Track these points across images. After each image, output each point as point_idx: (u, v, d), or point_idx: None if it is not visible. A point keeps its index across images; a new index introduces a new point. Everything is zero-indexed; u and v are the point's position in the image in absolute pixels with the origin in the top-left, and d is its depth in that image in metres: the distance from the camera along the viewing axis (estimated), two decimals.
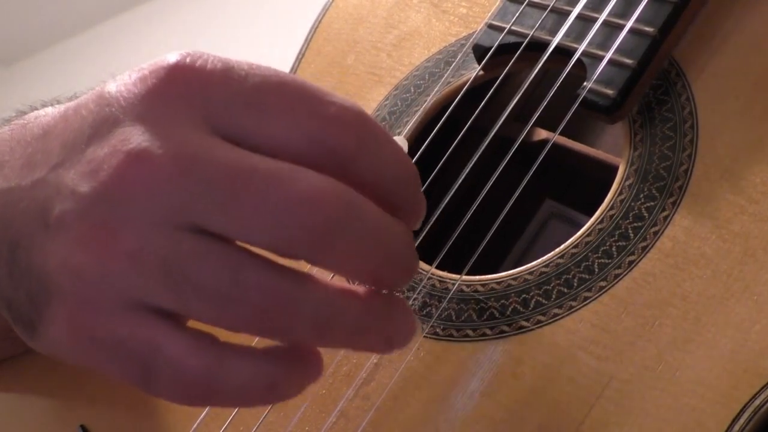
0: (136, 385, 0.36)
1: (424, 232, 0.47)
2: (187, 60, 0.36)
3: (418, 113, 0.53)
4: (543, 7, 0.50)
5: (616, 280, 0.43)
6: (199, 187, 0.34)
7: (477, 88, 0.52)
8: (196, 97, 0.36)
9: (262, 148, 0.36)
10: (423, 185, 0.47)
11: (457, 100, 0.52)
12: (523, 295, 0.44)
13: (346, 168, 0.36)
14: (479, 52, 0.52)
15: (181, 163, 0.34)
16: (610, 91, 0.46)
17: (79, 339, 0.36)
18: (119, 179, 0.34)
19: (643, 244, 0.43)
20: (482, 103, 0.50)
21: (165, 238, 0.34)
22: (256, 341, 0.38)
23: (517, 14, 0.51)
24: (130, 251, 0.34)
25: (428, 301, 0.46)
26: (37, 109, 0.43)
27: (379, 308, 0.37)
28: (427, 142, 0.51)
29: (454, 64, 0.54)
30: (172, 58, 0.37)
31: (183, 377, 0.35)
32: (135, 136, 0.35)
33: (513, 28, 0.51)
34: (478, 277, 0.46)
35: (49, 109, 0.40)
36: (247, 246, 0.36)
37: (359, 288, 0.38)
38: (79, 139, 0.36)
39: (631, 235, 0.43)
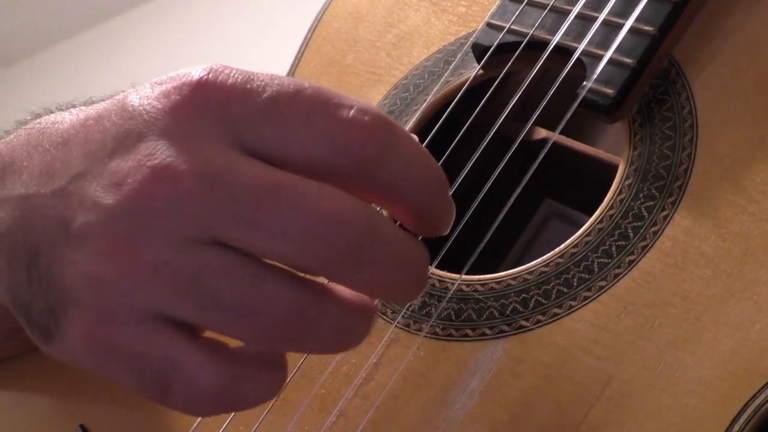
0: (150, 397, 0.37)
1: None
2: (210, 76, 0.37)
3: (418, 112, 0.53)
4: (543, 6, 0.50)
5: (615, 280, 0.43)
6: (223, 204, 0.35)
7: (476, 87, 0.52)
8: (218, 112, 0.36)
9: (287, 159, 0.36)
10: None
11: (456, 99, 0.52)
12: (523, 295, 0.44)
13: (373, 174, 0.36)
14: (479, 51, 0.52)
15: (206, 179, 0.35)
16: (609, 91, 0.46)
17: (96, 349, 0.36)
18: (144, 194, 0.35)
19: (643, 243, 0.43)
20: (482, 103, 0.50)
21: (188, 253, 0.35)
22: None
23: (517, 13, 0.51)
24: (152, 265, 0.35)
25: (428, 300, 0.46)
26: (52, 111, 0.43)
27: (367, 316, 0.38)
28: (426, 141, 0.51)
29: (453, 63, 0.54)
30: (195, 74, 0.37)
31: (199, 392, 0.36)
32: (160, 152, 0.35)
33: (513, 27, 0.51)
34: (477, 277, 0.46)
35: (67, 116, 0.40)
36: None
37: (365, 298, 0.38)
38: (102, 151, 0.37)
39: (631, 234, 0.43)
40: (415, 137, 0.39)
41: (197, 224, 0.35)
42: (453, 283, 0.46)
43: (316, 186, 0.35)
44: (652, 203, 0.44)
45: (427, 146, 0.51)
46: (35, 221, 0.37)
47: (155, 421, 0.52)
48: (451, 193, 0.47)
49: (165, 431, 0.51)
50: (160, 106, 0.36)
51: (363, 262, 0.36)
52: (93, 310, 0.35)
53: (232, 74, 0.37)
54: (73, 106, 0.43)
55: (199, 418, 0.48)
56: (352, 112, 0.36)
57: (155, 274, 0.35)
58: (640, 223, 0.43)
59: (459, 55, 0.54)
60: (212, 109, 0.36)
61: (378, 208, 0.39)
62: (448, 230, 0.40)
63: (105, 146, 0.37)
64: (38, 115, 0.44)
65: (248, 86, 0.37)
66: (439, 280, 0.47)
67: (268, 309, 0.35)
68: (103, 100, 0.40)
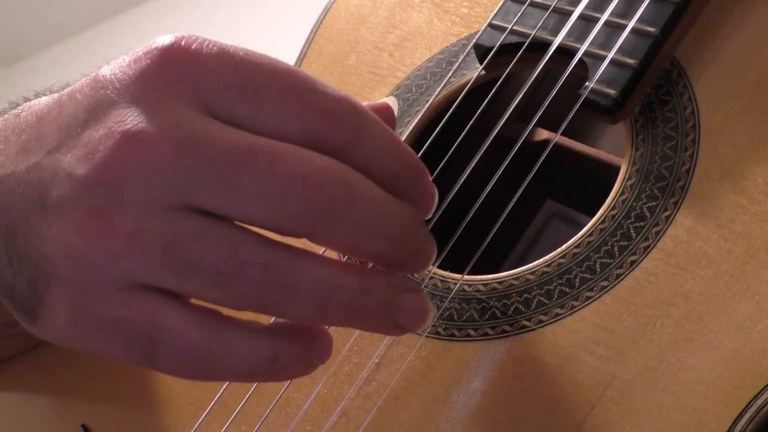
0: (139, 363, 0.36)
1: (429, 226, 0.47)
2: (183, 42, 0.37)
3: (420, 113, 0.53)
4: (545, 7, 0.50)
5: (617, 280, 0.43)
6: (198, 167, 0.34)
7: (479, 88, 0.52)
8: (191, 79, 0.36)
9: (256, 131, 0.36)
10: None
11: (458, 100, 0.52)
12: (525, 295, 0.44)
13: (339, 158, 0.36)
14: (481, 51, 0.52)
15: (179, 143, 0.34)
16: (611, 91, 0.46)
17: (80, 322, 0.36)
18: (115, 161, 0.34)
19: (645, 243, 0.43)
20: (484, 103, 0.50)
21: (163, 219, 0.34)
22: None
23: (519, 14, 0.51)
24: (128, 233, 0.34)
25: (430, 300, 0.46)
26: (30, 99, 0.43)
27: (382, 286, 0.37)
28: (428, 142, 0.51)
29: (455, 64, 0.54)
30: (166, 39, 0.37)
31: (185, 350, 0.35)
32: (130, 117, 0.35)
33: (515, 28, 0.51)
34: (479, 277, 0.46)
35: (43, 98, 0.40)
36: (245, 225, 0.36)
37: (360, 266, 0.38)
38: (75, 123, 0.36)
39: (633, 234, 0.43)
40: (393, 99, 0.39)
41: (172, 189, 0.34)
42: (455, 284, 0.46)
43: (290, 147, 0.35)
44: (654, 203, 0.44)
45: (429, 147, 0.51)
46: (12, 201, 0.37)
47: (157, 420, 0.52)
48: (453, 193, 0.47)
49: (167, 431, 0.51)
50: (130, 72, 0.36)
51: (342, 221, 0.35)
52: (73, 283, 0.35)
53: (206, 43, 0.37)
54: (51, 92, 0.43)
55: (201, 417, 0.48)
56: (326, 99, 0.36)
57: (130, 243, 0.34)
58: (642, 224, 0.44)
59: (461, 56, 0.54)
60: (184, 74, 0.36)
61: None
62: (429, 215, 0.40)
63: (77, 118, 0.36)
64: (16, 104, 0.44)
65: (224, 57, 0.36)
66: (442, 281, 0.47)
67: (246, 272, 0.35)
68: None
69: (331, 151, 0.36)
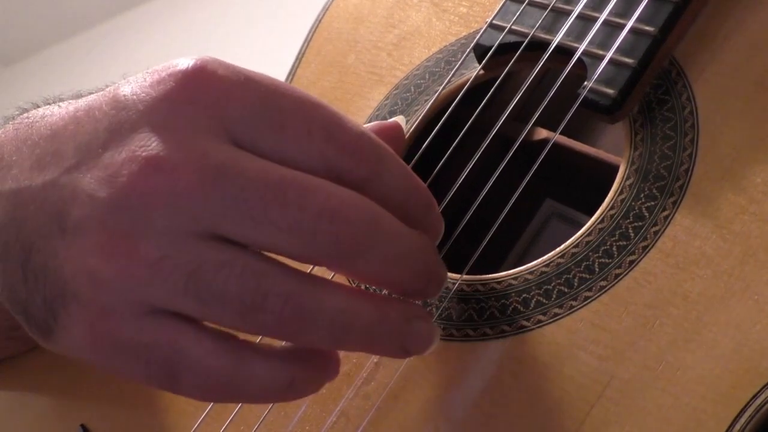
0: (159, 386, 0.37)
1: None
2: (208, 67, 0.36)
3: (419, 113, 0.53)
4: (544, 7, 0.50)
5: (616, 280, 0.43)
6: (227, 198, 0.34)
7: (477, 88, 0.52)
8: (217, 107, 0.36)
9: (280, 163, 0.36)
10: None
11: (457, 99, 0.52)
12: (524, 295, 0.44)
13: (360, 191, 0.37)
14: (480, 51, 0.52)
15: (207, 172, 0.34)
16: (610, 91, 0.46)
17: (100, 344, 0.36)
18: (139, 186, 0.34)
19: (644, 243, 0.43)
20: (483, 103, 0.50)
21: (188, 248, 0.34)
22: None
23: (518, 14, 0.51)
24: (152, 260, 0.34)
25: (429, 300, 0.46)
26: (39, 106, 0.42)
27: (396, 315, 0.38)
28: (427, 141, 0.51)
29: (454, 63, 0.54)
30: (189, 62, 0.36)
31: (206, 378, 0.36)
32: (154, 143, 0.35)
33: (513, 27, 0.51)
34: (478, 277, 0.46)
35: (56, 109, 0.39)
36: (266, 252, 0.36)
37: (375, 295, 0.38)
38: (95, 143, 0.36)
39: (632, 234, 0.43)
40: (402, 118, 0.40)
41: (197, 219, 0.34)
42: (454, 283, 0.46)
43: (318, 181, 0.36)
44: (653, 203, 0.44)
45: (428, 146, 0.51)
46: (27, 216, 0.37)
47: (156, 420, 0.52)
48: (452, 193, 0.47)
49: (166, 431, 0.51)
50: (154, 94, 0.36)
51: (366, 256, 0.36)
52: (93, 305, 0.35)
53: (231, 69, 0.37)
54: (61, 100, 0.42)
55: (200, 418, 0.48)
56: (350, 136, 0.37)
57: (154, 270, 0.34)
58: (641, 223, 0.43)
59: (460, 56, 0.54)
60: (210, 102, 0.36)
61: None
62: (438, 237, 0.41)
63: (98, 137, 0.36)
64: (26, 111, 0.43)
65: (250, 86, 0.36)
66: None
67: (268, 303, 0.35)
68: (92, 93, 0.39)
69: (352, 185, 0.37)
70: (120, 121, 0.36)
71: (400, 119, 0.43)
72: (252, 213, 0.34)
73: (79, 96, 0.42)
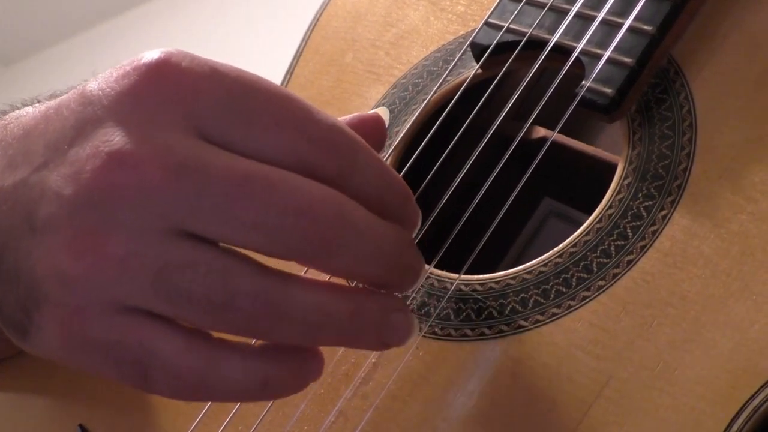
0: (132, 384, 0.36)
1: (422, 231, 0.47)
2: (173, 59, 0.36)
3: (417, 111, 0.53)
4: (541, 6, 0.50)
5: (614, 280, 0.42)
6: (191, 194, 0.34)
7: (475, 87, 0.52)
8: (182, 99, 0.35)
9: (248, 157, 0.35)
10: (421, 185, 0.47)
11: (455, 98, 0.52)
12: (522, 295, 0.44)
13: (332, 185, 0.36)
14: (477, 50, 0.52)
15: (171, 167, 0.34)
16: (608, 90, 0.46)
17: (72, 344, 0.35)
18: (102, 182, 0.34)
19: (642, 243, 0.43)
20: (481, 102, 0.50)
21: (154, 245, 0.34)
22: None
23: (516, 12, 0.51)
24: (119, 257, 0.34)
25: (426, 300, 0.46)
26: (18, 108, 0.42)
27: (372, 309, 0.37)
28: (425, 140, 0.50)
29: (452, 62, 0.54)
30: (154, 54, 0.36)
31: (178, 376, 0.35)
32: (117, 137, 0.34)
33: (511, 26, 0.51)
34: (476, 277, 0.46)
35: (30, 109, 0.39)
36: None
37: (351, 288, 0.38)
38: (62, 140, 0.36)
39: (630, 234, 0.43)
40: (384, 109, 0.39)
41: (162, 216, 0.34)
42: (452, 283, 0.46)
43: (285, 175, 0.35)
44: (651, 203, 0.44)
45: (426, 146, 0.51)
46: (0, 217, 0.37)
47: (154, 420, 0.52)
48: (449, 192, 0.47)
49: (164, 431, 0.51)
50: (118, 88, 0.35)
51: (336, 252, 0.35)
52: (63, 305, 0.35)
53: (197, 62, 0.36)
54: (38, 101, 0.42)
55: (198, 418, 0.48)
56: (321, 128, 0.36)
57: (121, 268, 0.34)
58: (638, 223, 0.43)
59: (458, 55, 0.54)
60: (174, 95, 0.35)
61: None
62: (415, 229, 0.40)
63: (65, 135, 0.36)
64: (4, 113, 0.43)
65: (216, 78, 0.36)
66: (438, 280, 0.47)
67: (237, 302, 0.34)
68: (66, 93, 0.39)
69: (324, 178, 0.36)
70: (85, 118, 0.35)
71: (381, 110, 0.43)
72: (216, 210, 0.34)
73: (54, 96, 0.41)
